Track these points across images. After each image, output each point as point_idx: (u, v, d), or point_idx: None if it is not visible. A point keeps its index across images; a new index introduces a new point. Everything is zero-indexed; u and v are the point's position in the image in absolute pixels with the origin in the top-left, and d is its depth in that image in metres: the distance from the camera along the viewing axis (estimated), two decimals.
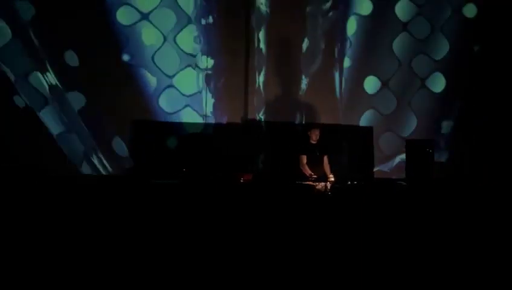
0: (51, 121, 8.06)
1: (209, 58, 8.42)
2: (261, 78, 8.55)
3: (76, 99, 8.13)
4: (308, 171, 7.25)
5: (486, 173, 8.29)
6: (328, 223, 5.10)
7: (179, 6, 8.34)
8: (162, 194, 5.63)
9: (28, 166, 7.41)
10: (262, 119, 8.53)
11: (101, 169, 8.16)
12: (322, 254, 4.73)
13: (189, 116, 8.43)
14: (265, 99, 8.55)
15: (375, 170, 8.58)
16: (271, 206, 5.26)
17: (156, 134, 8.15)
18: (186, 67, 8.42)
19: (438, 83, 9.02)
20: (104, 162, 8.19)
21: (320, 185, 6.33)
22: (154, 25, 8.29)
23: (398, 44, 8.85)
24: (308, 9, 8.56)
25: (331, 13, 8.62)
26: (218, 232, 4.94)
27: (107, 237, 4.87)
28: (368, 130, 8.57)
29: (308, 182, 6.78)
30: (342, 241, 4.86)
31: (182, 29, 8.36)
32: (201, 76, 8.44)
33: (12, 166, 7.14)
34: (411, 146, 7.98)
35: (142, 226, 5.00)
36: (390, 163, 8.78)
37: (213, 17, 8.41)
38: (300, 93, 8.69)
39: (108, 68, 8.08)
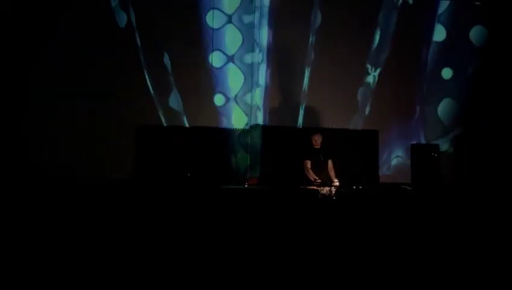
0: None
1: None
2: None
3: None
4: (312, 176, 7.23)
5: (488, 174, 8.34)
6: (332, 227, 5.06)
7: None
8: (164, 198, 5.54)
9: (28, 166, 7.42)
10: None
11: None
12: (327, 258, 4.73)
13: None
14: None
15: None
16: (275, 211, 5.21)
17: (161, 138, 8.15)
18: None
19: None
20: None
21: (325, 190, 6.25)
22: None
23: None
24: None
25: None
26: (221, 237, 4.92)
27: (106, 240, 4.86)
28: (373, 133, 8.52)
29: (312, 187, 6.71)
30: (346, 246, 4.85)
31: None
32: None
33: (13, 166, 7.12)
34: (416, 150, 7.93)
35: (143, 229, 4.97)
36: None
37: None
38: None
39: None
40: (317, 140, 7.34)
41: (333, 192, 6.15)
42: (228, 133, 8.27)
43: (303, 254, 4.76)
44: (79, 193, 5.45)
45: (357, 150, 8.31)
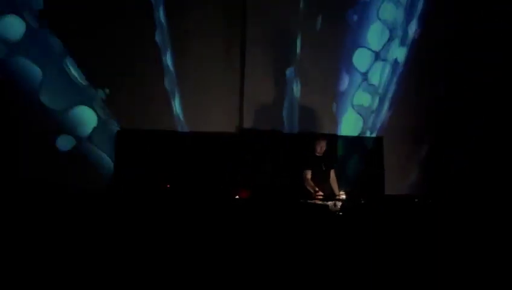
0: None
1: None
2: None
3: None
4: (313, 187, 6.77)
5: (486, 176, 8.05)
6: (338, 247, 4.83)
7: None
8: (142, 212, 5.36)
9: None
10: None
11: None
12: (334, 278, 4.50)
13: None
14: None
15: None
16: (272, 229, 4.95)
17: (140, 145, 7.71)
18: None
19: None
20: None
21: (330, 203, 5.94)
22: None
23: None
24: None
25: None
26: (207, 257, 4.63)
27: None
28: (378, 140, 8.18)
29: (314, 201, 6.36)
30: (355, 264, 4.62)
31: None
32: None
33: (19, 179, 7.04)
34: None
35: (123, 245, 4.76)
36: None
37: None
38: None
39: None
40: (322, 147, 6.88)
41: (339, 206, 5.87)
42: (216, 140, 7.86)
43: (307, 273, 4.51)
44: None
45: (360, 158, 7.99)
